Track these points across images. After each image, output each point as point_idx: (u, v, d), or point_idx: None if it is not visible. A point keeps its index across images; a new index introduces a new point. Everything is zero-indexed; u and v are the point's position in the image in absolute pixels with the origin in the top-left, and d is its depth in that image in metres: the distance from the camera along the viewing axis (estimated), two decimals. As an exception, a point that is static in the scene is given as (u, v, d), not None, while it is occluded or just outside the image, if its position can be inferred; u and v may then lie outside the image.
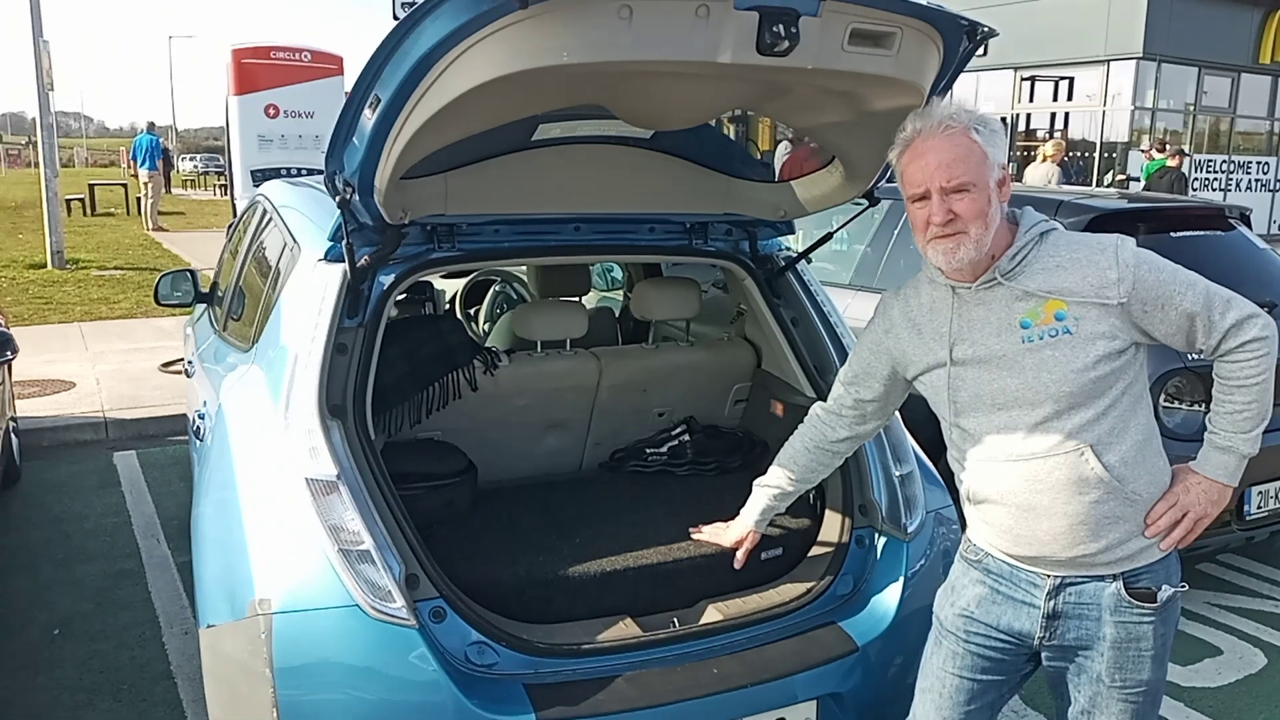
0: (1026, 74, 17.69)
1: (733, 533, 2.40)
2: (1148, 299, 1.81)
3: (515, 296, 4.83)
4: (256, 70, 9.14)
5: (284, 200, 3.22)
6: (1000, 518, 1.92)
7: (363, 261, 2.47)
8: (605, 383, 3.11)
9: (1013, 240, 1.88)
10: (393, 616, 2.05)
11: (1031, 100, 18.04)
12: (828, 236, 2.97)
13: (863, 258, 5.40)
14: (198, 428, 2.89)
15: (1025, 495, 1.86)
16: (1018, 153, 18.12)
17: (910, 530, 2.58)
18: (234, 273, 3.75)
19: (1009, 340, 1.85)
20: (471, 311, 4.92)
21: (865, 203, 2.67)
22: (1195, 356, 3.27)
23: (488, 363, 2.92)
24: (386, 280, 2.52)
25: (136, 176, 19.51)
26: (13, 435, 5.14)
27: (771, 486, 2.35)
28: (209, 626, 2.18)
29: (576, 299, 3.60)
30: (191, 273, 4.43)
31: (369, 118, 1.95)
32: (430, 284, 4.92)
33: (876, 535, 2.63)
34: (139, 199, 21.58)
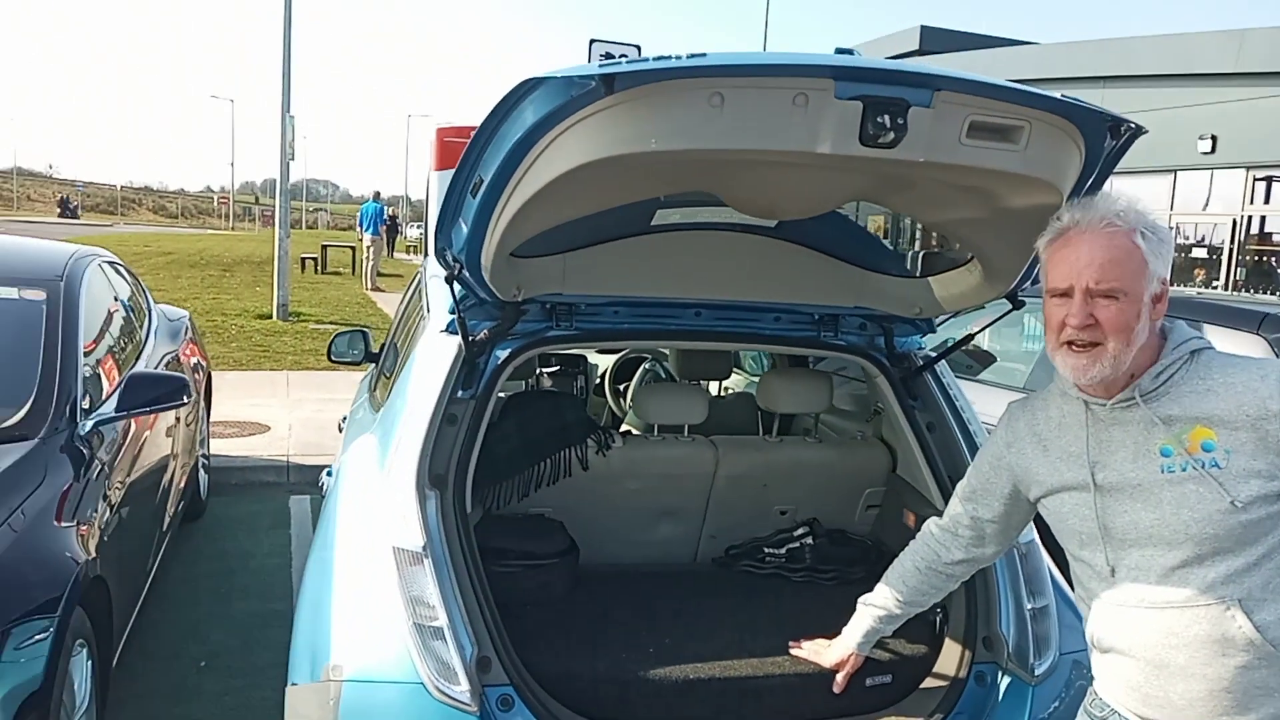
0: (1262, 174, 16.28)
1: (834, 653, 2.23)
2: None
3: (664, 375, 4.81)
4: (457, 149, 9.65)
5: (433, 270, 3.36)
6: (1128, 672, 1.68)
7: (481, 335, 2.52)
8: (722, 473, 3.00)
9: (1159, 357, 1.67)
10: (455, 700, 2.01)
11: (1267, 202, 16.55)
12: (967, 339, 2.78)
13: (1041, 359, 5.04)
14: (322, 484, 3.01)
15: (1158, 650, 1.62)
16: (1249, 257, 16.61)
17: (1039, 673, 2.31)
18: (390, 337, 3.94)
19: (1146, 468, 1.63)
20: (620, 388, 4.94)
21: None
22: None
23: (601, 443, 2.89)
24: (502, 354, 2.55)
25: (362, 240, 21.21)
26: (201, 471, 5.56)
27: (877, 607, 2.17)
28: (293, 685, 2.22)
29: (709, 383, 3.52)
30: (364, 333, 4.69)
31: (473, 198, 1.99)
32: (584, 358, 4.99)
33: (1000, 674, 2.37)
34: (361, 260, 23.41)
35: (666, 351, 4.88)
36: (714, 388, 4.65)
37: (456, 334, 2.51)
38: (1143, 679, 1.64)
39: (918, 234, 20.76)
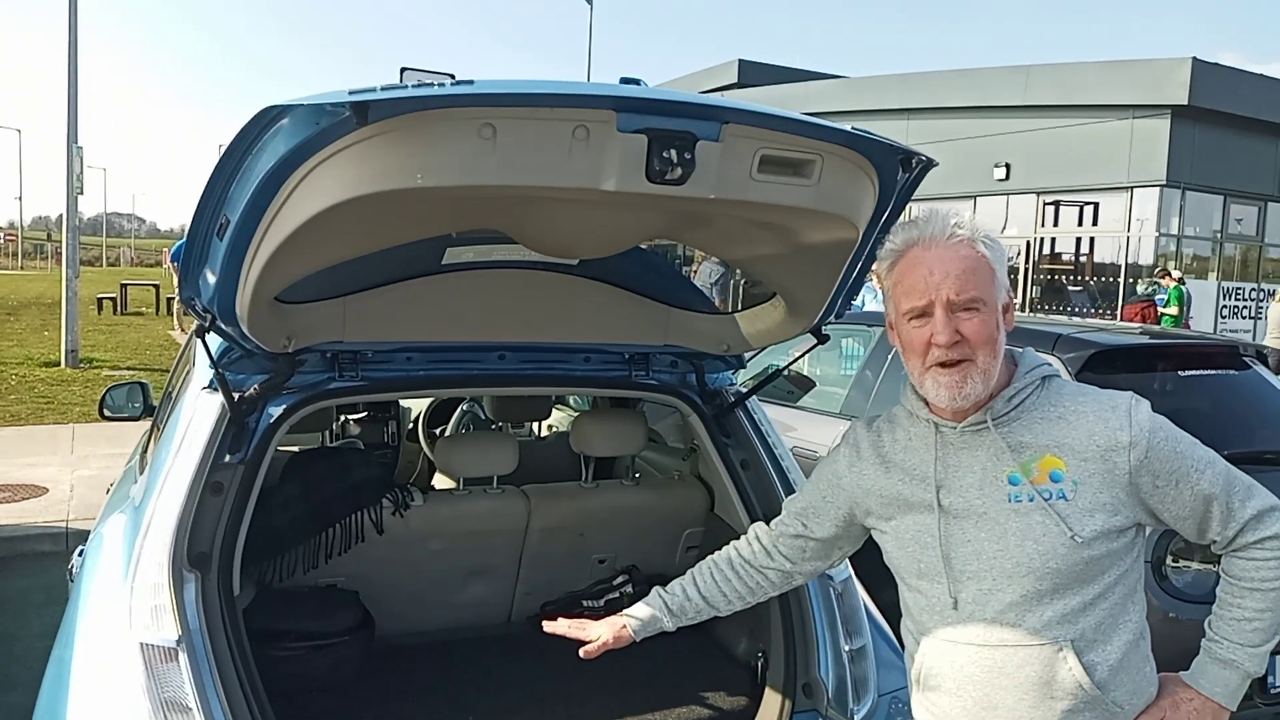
0: (1050, 199, 17.66)
1: (600, 626, 1.89)
2: (1160, 472, 1.52)
3: (483, 417, 4.59)
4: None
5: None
6: (952, 712, 1.60)
7: (250, 391, 2.25)
8: (535, 525, 2.82)
9: (1010, 380, 1.60)
10: None
11: (1056, 224, 17.96)
12: (777, 373, 2.73)
13: (857, 383, 5.12)
14: (71, 566, 2.63)
15: (985, 690, 1.55)
16: (1043, 276, 17.94)
17: (858, 718, 2.24)
18: (166, 385, 3.56)
19: (992, 496, 1.55)
20: (436, 433, 4.67)
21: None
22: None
23: (398, 502, 2.65)
24: (276, 411, 2.28)
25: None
26: (-43, 547, 4.91)
27: (670, 593, 1.92)
28: (22, 813, 1.88)
29: (532, 424, 3.34)
30: (143, 385, 4.26)
31: (220, 240, 1.75)
32: (396, 403, 4.70)
33: None
34: (170, 299, 21.95)
35: None
36: (537, 428, 4.47)
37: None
38: (967, 719, 1.58)
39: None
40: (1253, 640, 1.54)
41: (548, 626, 1.92)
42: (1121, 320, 14.27)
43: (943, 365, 1.54)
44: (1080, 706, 1.51)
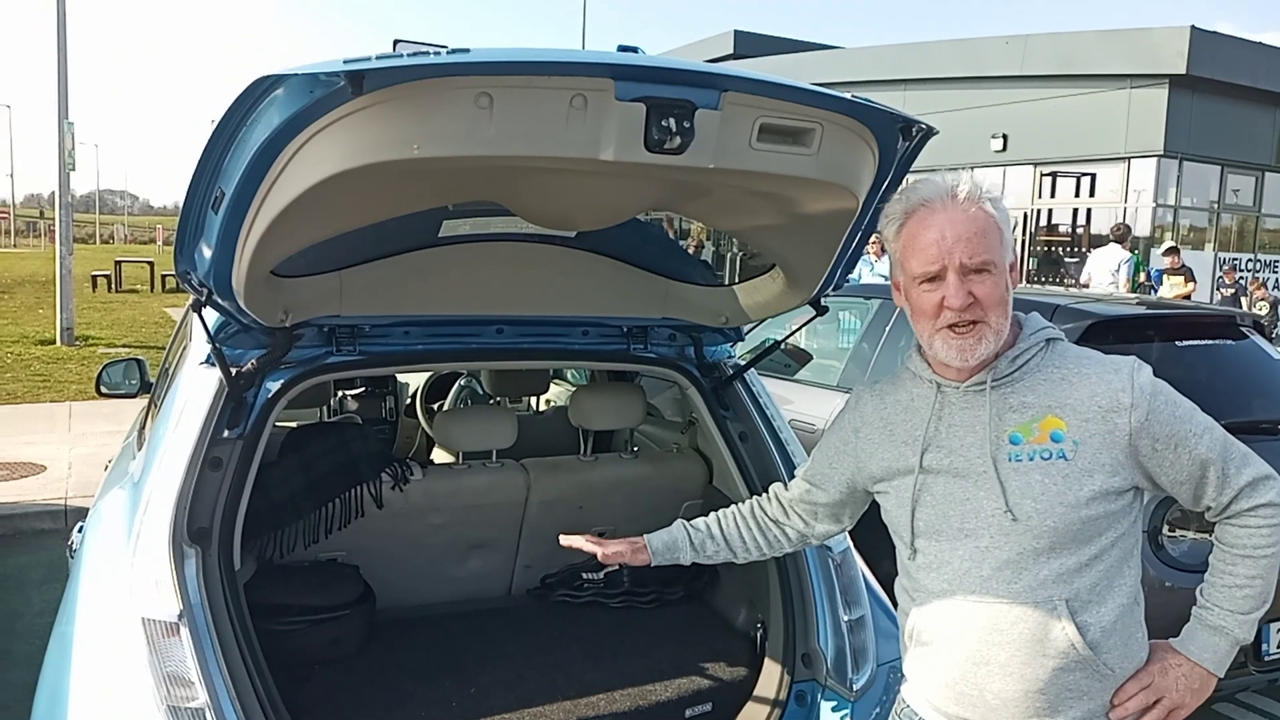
0: (1047, 170, 17.60)
1: (618, 543, 1.90)
2: (1160, 435, 1.52)
3: (481, 393, 4.58)
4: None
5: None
6: (944, 669, 1.61)
7: (247, 366, 2.24)
8: (534, 499, 2.83)
9: (1015, 341, 1.61)
10: None
11: (1053, 196, 17.90)
12: (774, 346, 2.72)
13: (854, 356, 5.12)
14: (72, 543, 2.63)
15: (978, 646, 1.56)
16: (1039, 248, 17.91)
17: (857, 687, 2.26)
18: (163, 362, 3.55)
19: (993, 455, 1.56)
20: (434, 408, 4.67)
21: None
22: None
23: (397, 476, 2.65)
24: (274, 386, 2.28)
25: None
26: (-44, 525, 4.91)
27: (695, 528, 1.95)
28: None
29: (530, 398, 3.34)
30: (139, 361, 4.24)
31: (214, 214, 1.73)
32: (393, 377, 4.70)
33: (820, 692, 2.30)
34: (164, 276, 21.96)
35: None
36: (535, 402, 4.47)
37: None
38: (959, 675, 1.59)
39: (738, 234, 21.24)
40: (1243, 607, 1.55)
41: (564, 540, 1.91)
42: None
43: (953, 327, 1.55)
44: (1071, 666, 1.52)
